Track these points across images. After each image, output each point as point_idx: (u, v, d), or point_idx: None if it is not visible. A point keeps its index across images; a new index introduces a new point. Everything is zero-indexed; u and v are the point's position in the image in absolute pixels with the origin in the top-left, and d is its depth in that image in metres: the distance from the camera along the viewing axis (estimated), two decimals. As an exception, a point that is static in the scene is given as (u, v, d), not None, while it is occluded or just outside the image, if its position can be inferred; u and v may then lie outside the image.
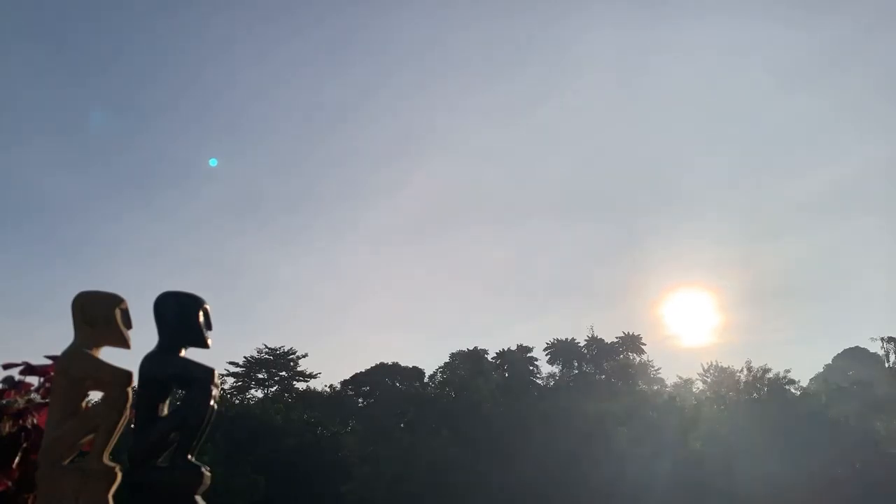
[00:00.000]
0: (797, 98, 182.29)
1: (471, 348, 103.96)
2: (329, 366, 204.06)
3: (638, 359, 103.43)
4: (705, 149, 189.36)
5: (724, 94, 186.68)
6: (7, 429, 6.52)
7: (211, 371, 6.86)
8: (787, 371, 77.33)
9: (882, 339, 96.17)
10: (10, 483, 6.42)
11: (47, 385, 6.74)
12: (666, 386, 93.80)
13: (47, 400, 6.62)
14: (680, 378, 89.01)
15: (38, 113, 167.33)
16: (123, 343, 6.79)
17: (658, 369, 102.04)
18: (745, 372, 76.90)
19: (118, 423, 6.45)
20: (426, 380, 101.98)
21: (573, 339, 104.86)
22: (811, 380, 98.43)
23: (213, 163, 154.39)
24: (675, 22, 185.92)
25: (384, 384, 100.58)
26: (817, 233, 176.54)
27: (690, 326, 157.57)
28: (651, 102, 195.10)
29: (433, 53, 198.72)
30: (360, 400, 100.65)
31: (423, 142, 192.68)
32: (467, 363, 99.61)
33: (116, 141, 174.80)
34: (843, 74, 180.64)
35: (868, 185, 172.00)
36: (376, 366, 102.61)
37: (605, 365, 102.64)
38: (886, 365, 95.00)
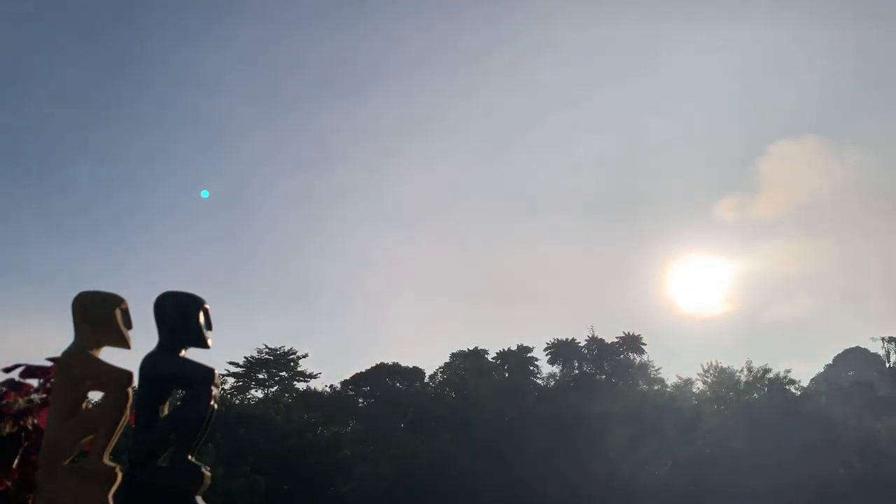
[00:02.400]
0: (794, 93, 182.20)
1: (471, 348, 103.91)
2: (329, 366, 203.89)
3: (638, 359, 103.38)
4: (706, 148, 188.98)
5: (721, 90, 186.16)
6: (7, 429, 6.52)
7: (211, 371, 6.86)
8: (788, 371, 77.46)
9: (882, 339, 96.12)
10: (9, 483, 6.43)
11: (48, 386, 6.75)
12: (666, 386, 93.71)
13: (47, 398, 6.62)
14: (680, 378, 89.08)
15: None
16: (123, 343, 6.79)
17: (658, 369, 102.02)
18: (745, 372, 76.98)
19: (118, 423, 6.45)
20: (426, 380, 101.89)
21: (573, 339, 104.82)
22: (811, 380, 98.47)
23: (204, 194, 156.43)
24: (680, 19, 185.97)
25: (384, 384, 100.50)
26: (816, 230, 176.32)
27: (695, 305, 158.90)
28: (651, 100, 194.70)
29: (445, 50, 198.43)
30: (360, 400, 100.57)
31: (421, 136, 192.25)
32: (467, 363, 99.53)
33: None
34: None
35: (869, 183, 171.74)
36: (376, 366, 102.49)
37: (605, 365, 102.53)
38: (887, 365, 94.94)
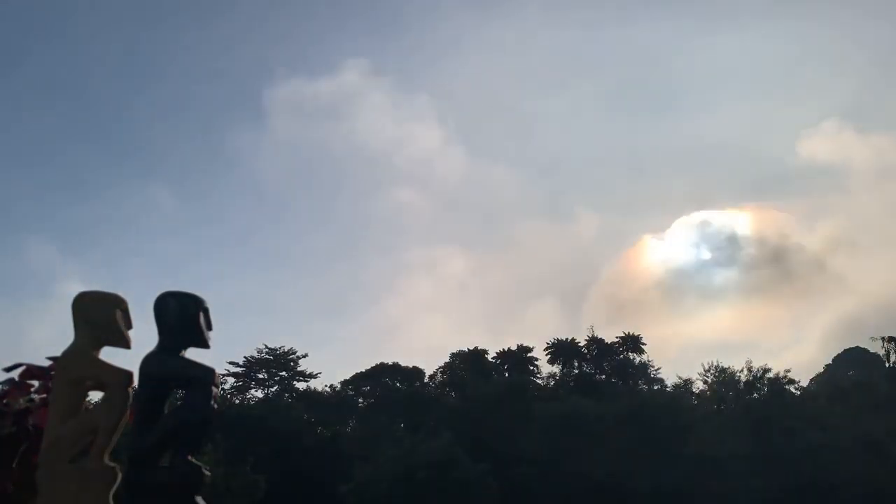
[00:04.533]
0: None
1: (471, 348, 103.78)
2: (329, 366, 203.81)
3: (638, 359, 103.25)
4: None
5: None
6: (7, 429, 6.54)
7: (211, 371, 6.88)
8: (788, 371, 77.47)
9: (882, 338, 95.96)
10: (9, 484, 6.44)
11: (48, 386, 6.76)
12: (666, 386, 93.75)
13: (47, 398, 6.64)
14: (680, 378, 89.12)
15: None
16: (124, 343, 6.81)
17: (658, 369, 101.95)
18: (745, 372, 77.01)
19: (118, 423, 6.47)
20: (426, 380, 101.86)
21: (573, 339, 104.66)
22: (811, 380, 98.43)
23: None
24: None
25: (384, 384, 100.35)
26: (815, 231, 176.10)
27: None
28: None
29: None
30: (360, 400, 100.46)
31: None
32: (467, 363, 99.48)
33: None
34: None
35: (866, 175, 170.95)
36: (376, 366, 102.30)
37: (605, 365, 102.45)
38: (886, 365, 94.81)
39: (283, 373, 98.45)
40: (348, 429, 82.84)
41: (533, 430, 65.62)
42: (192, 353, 7.01)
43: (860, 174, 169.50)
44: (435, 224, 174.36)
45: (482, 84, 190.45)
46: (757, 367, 76.53)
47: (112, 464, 6.42)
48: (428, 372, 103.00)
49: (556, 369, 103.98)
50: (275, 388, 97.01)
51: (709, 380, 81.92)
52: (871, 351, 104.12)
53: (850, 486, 58.90)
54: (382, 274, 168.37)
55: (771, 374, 75.83)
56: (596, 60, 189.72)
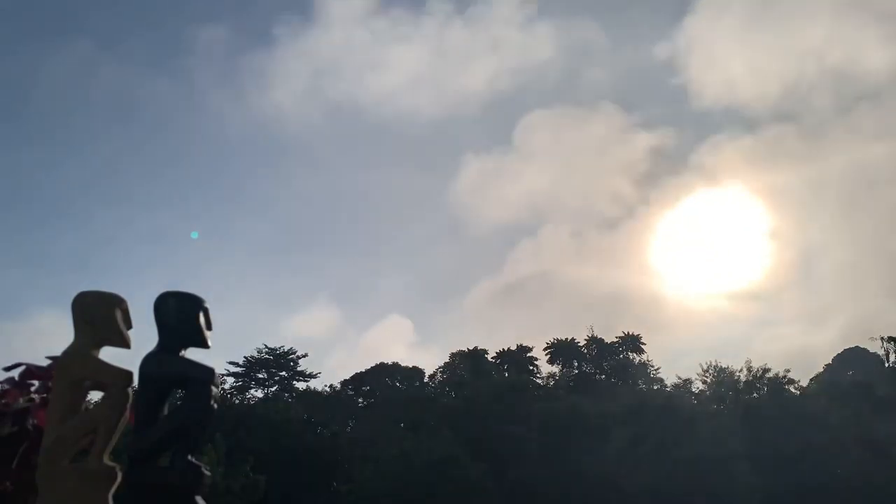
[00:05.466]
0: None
1: (471, 348, 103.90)
2: (329, 366, 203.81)
3: (638, 359, 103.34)
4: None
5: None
6: (7, 429, 6.54)
7: (211, 371, 6.88)
8: (787, 371, 77.53)
9: (882, 338, 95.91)
10: (9, 484, 6.45)
11: (48, 386, 6.77)
12: (666, 386, 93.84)
13: (47, 398, 6.64)
14: (679, 378, 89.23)
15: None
16: (123, 343, 6.81)
17: (658, 369, 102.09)
18: (745, 372, 77.05)
19: (118, 423, 6.47)
20: (426, 380, 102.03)
21: (573, 339, 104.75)
22: (811, 380, 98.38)
23: (194, 235, 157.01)
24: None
25: (384, 384, 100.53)
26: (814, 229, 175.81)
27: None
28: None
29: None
30: (360, 400, 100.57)
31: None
32: (467, 363, 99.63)
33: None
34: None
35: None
36: (376, 366, 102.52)
37: (605, 365, 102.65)
38: (886, 365, 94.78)
39: (283, 373, 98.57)
40: (348, 429, 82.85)
41: (533, 429, 65.61)
42: (192, 353, 7.01)
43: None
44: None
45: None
46: (756, 366, 76.67)
47: (112, 464, 6.43)
48: (427, 372, 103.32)
49: (555, 369, 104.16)
50: (275, 388, 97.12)
51: (708, 380, 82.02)
52: (871, 351, 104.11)
53: (849, 485, 58.92)
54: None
55: (770, 374, 75.91)
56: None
